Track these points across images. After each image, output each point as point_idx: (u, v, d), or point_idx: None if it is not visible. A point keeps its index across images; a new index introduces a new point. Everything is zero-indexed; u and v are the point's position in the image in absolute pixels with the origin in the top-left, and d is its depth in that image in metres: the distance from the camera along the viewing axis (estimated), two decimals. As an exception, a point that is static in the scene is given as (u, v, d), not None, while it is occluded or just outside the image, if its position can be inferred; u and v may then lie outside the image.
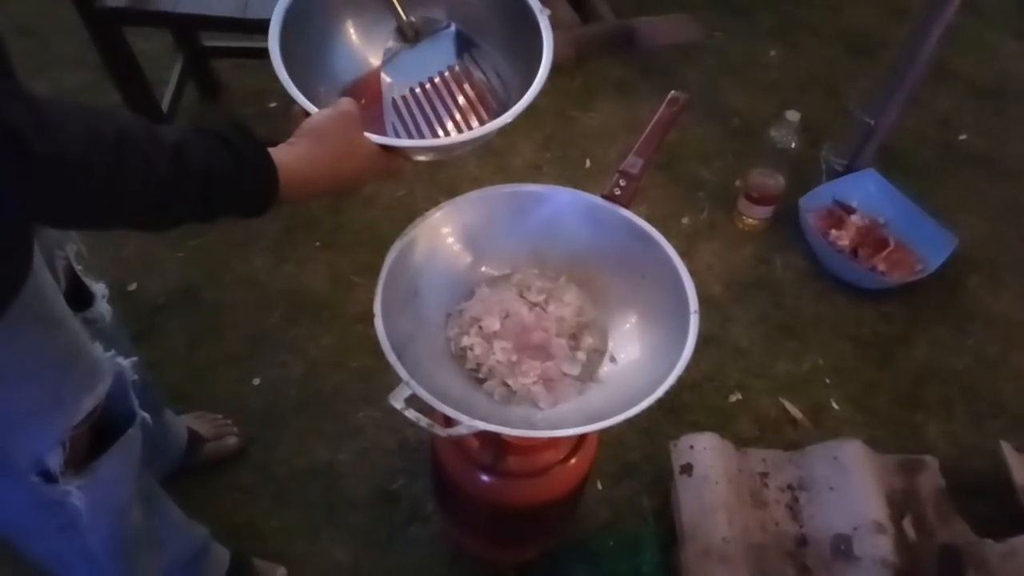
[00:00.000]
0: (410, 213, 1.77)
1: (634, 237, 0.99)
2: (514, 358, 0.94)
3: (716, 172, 1.94)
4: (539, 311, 0.99)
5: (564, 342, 0.96)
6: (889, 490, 1.30)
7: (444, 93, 0.95)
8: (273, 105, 2.01)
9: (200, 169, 0.61)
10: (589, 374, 0.95)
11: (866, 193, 1.80)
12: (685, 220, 1.84)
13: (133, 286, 1.64)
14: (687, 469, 1.31)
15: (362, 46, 0.95)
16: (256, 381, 1.51)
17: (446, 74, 0.95)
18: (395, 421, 1.42)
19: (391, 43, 0.95)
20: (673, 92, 1.09)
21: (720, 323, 1.65)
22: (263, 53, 1.75)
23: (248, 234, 1.75)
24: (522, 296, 1.00)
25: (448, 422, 0.81)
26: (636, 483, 1.42)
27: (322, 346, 1.56)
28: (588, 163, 1.95)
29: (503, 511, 1.15)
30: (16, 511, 0.85)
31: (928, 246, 1.71)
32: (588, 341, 0.97)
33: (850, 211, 1.77)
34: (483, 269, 1.02)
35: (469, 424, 0.79)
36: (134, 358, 0.95)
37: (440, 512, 1.31)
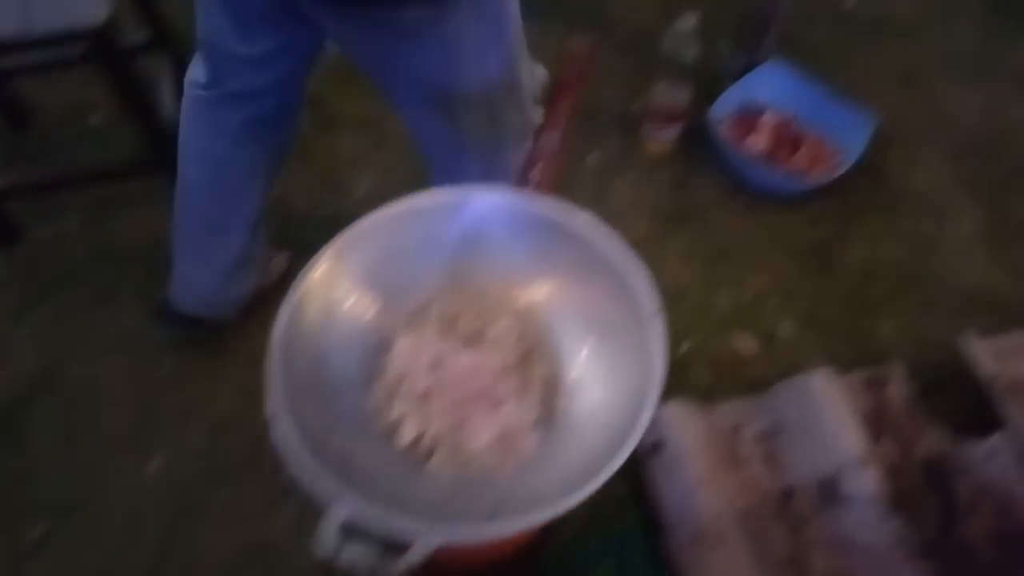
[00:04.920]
0: (291, 216, 1.59)
1: (563, 233, 0.83)
2: (457, 418, 0.78)
3: (613, 95, 1.77)
4: (473, 349, 0.82)
5: (511, 381, 0.80)
6: (862, 413, 1.24)
7: None
8: (96, 120, 1.71)
9: None
10: (548, 412, 0.80)
11: (774, 88, 1.68)
12: (592, 157, 1.68)
13: (-21, 381, 1.37)
14: (658, 447, 1.20)
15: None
16: (154, 463, 1.29)
17: None
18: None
19: None
20: (570, 43, 0.91)
21: (655, 264, 1.50)
22: (62, 62, 1.43)
23: (106, 283, 1.49)
24: (449, 333, 0.84)
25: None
26: (604, 466, 1.31)
27: (223, 400, 1.35)
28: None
29: (478, 563, 1.01)
30: None
31: (845, 132, 1.61)
32: (538, 371, 0.82)
33: (761, 111, 1.65)
34: (395, 312, 0.85)
35: (429, 543, 0.64)
36: None
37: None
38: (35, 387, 1.36)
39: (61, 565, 1.20)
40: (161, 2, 1.62)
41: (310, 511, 1.23)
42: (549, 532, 1.15)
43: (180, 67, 1.68)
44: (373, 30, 0.92)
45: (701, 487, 1.13)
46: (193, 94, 1.17)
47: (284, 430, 0.68)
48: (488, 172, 1.09)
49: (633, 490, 1.24)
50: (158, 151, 1.47)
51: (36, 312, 1.45)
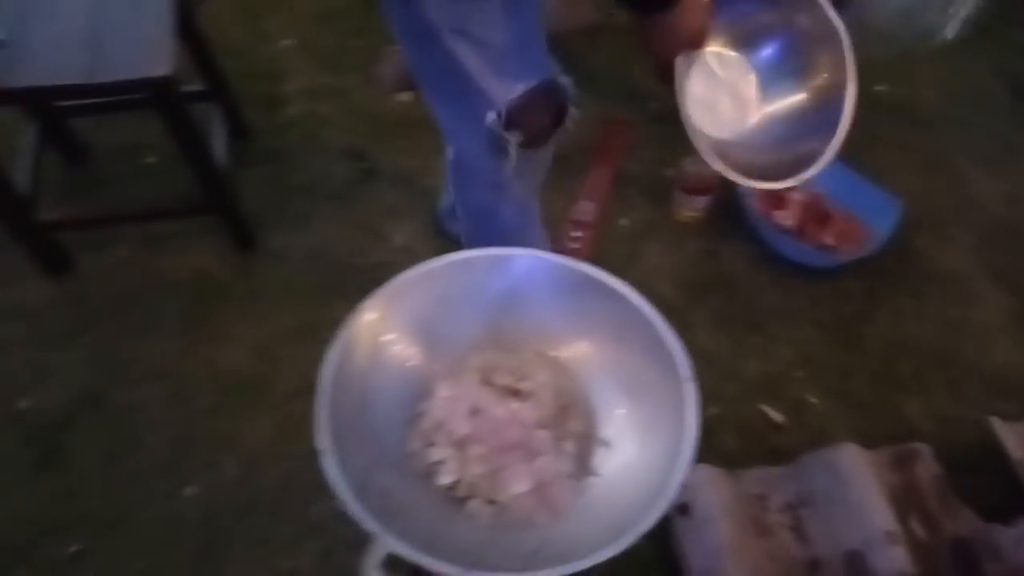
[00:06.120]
0: (330, 262, 1.65)
1: (601, 296, 0.87)
2: (494, 466, 0.81)
3: (645, 164, 1.83)
4: (510, 400, 0.85)
5: (546, 433, 0.83)
6: (889, 490, 1.24)
7: None
8: (150, 160, 1.79)
9: None
10: (583, 466, 0.83)
11: (803, 166, 1.72)
12: (623, 222, 1.73)
13: (25, 403, 1.41)
14: (684, 510, 1.21)
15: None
16: (189, 491, 1.32)
17: None
18: (355, 509, 1.27)
19: None
20: (609, 116, 0.96)
21: (681, 330, 1.53)
22: (125, 106, 1.52)
23: (150, 314, 1.54)
24: (488, 383, 0.87)
25: (438, 581, 0.67)
26: (628, 525, 1.31)
27: (257, 435, 1.39)
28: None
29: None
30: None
31: (873, 213, 1.65)
32: (573, 426, 0.85)
33: (790, 188, 1.70)
34: (437, 359, 0.88)
35: (468, 583, 0.66)
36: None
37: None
38: (80, 410, 1.40)
39: (95, 581, 1.23)
40: (216, 56, 1.70)
41: (337, 548, 1.27)
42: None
43: (231, 116, 1.77)
44: None
45: (727, 552, 1.13)
46: None
47: (330, 467, 0.71)
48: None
49: (657, 551, 1.24)
50: (209, 192, 1.53)
51: (83, 338, 1.50)
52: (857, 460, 1.23)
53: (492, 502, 0.79)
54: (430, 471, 0.81)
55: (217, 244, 1.64)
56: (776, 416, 1.43)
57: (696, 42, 0.94)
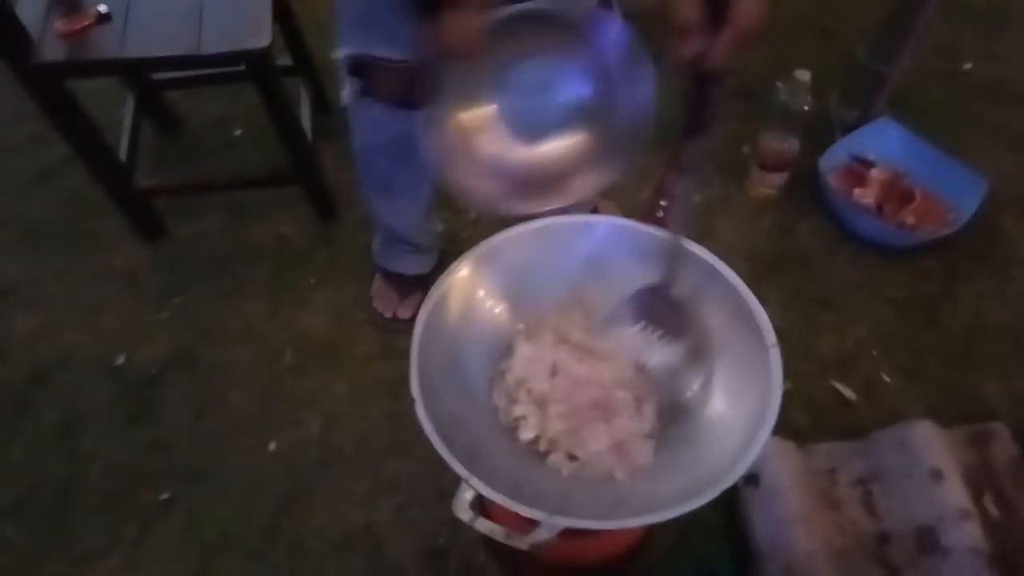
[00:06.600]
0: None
1: (685, 260, 0.88)
2: (573, 424, 0.83)
3: (720, 139, 1.82)
4: (590, 360, 0.88)
5: (625, 393, 0.85)
6: (963, 468, 1.22)
7: None
8: (238, 133, 1.86)
9: None
10: (663, 425, 0.85)
11: (884, 144, 1.69)
12: (698, 198, 1.73)
13: (121, 359, 1.50)
14: (753, 480, 1.22)
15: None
16: (272, 446, 1.39)
17: None
18: (429, 469, 1.32)
19: None
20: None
21: (753, 306, 1.54)
22: (220, 79, 1.58)
23: (237, 278, 1.62)
24: (567, 343, 0.89)
25: (524, 523, 0.71)
26: (695, 495, 1.33)
27: (336, 395, 1.45)
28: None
29: (575, 564, 1.06)
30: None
31: (957, 192, 1.61)
32: (653, 386, 0.87)
33: (870, 165, 1.67)
34: (520, 320, 0.91)
35: (552, 524, 0.69)
36: None
37: (498, 565, 1.22)
38: (171, 366, 1.49)
39: (184, 527, 1.31)
40: (305, 32, 1.76)
41: (411, 504, 1.32)
42: (641, 547, 1.18)
43: (315, 90, 1.83)
44: None
45: (796, 522, 1.14)
46: None
47: (421, 411, 0.75)
48: None
49: (723, 520, 1.26)
50: (296, 163, 1.59)
51: (175, 300, 1.59)
52: (931, 437, 1.22)
53: (572, 457, 0.81)
54: (513, 425, 0.84)
55: (300, 214, 1.70)
56: (848, 393, 1.42)
57: (459, 56, 0.85)
